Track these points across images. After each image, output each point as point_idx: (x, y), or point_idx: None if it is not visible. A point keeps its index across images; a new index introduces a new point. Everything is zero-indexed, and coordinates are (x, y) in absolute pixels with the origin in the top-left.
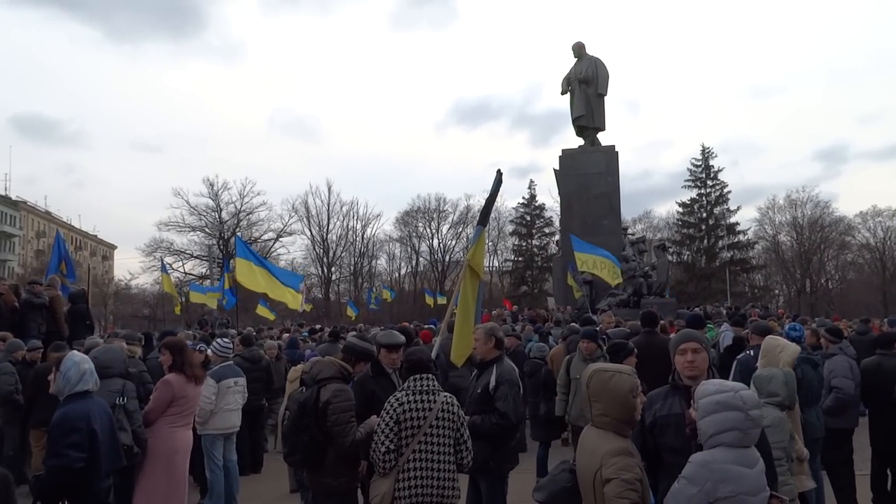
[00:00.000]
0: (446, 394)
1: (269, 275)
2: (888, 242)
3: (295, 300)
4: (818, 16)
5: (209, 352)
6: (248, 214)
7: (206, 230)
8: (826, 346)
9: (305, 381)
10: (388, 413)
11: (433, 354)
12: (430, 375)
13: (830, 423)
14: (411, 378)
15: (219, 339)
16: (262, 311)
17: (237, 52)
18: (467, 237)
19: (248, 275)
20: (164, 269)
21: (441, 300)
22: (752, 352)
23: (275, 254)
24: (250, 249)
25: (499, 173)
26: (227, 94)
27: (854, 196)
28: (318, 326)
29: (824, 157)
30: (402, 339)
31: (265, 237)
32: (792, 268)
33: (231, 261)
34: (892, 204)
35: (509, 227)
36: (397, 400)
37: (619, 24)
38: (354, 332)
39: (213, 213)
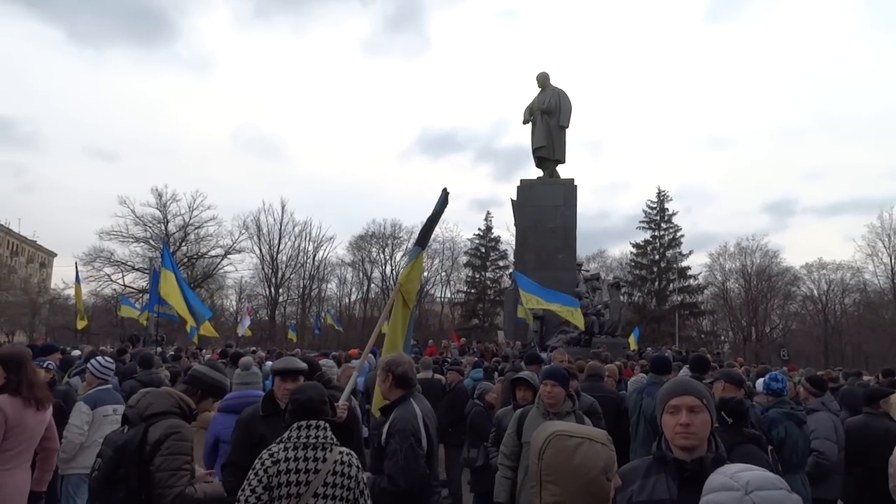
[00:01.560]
0: (343, 450)
1: (182, 295)
2: (831, 295)
3: (206, 329)
4: (771, 74)
5: (89, 371)
6: (196, 228)
7: (151, 242)
8: (806, 398)
9: (129, 416)
10: (256, 473)
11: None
12: (321, 423)
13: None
14: (295, 426)
15: (98, 358)
16: (206, 328)
17: (207, 65)
18: None
19: (169, 287)
20: (77, 279)
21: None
22: None
23: (221, 271)
24: (174, 263)
25: (444, 192)
26: (192, 107)
27: (799, 249)
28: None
29: (773, 210)
30: (302, 365)
31: (212, 253)
32: (739, 314)
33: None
34: (836, 258)
35: (463, 259)
36: (271, 456)
37: (587, 65)
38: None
39: (159, 225)
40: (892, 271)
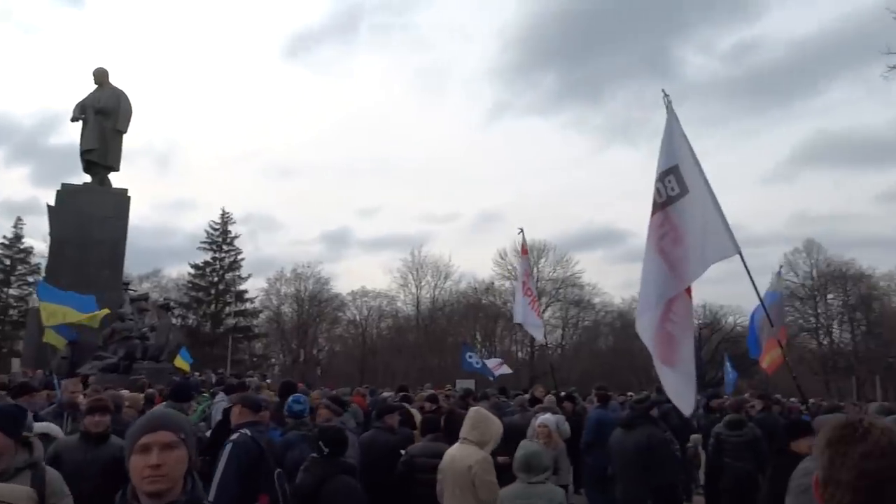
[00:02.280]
0: None
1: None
2: (370, 320)
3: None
4: (336, 115)
5: None
6: None
7: None
8: (329, 418)
9: None
10: None
11: None
12: None
13: None
14: None
15: None
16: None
17: None
18: None
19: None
20: None
21: None
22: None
23: None
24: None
25: None
26: None
27: (349, 277)
28: None
29: (330, 240)
30: None
31: None
32: (290, 338)
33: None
34: (376, 286)
35: None
36: None
37: (160, 74)
38: None
39: None
40: (417, 300)
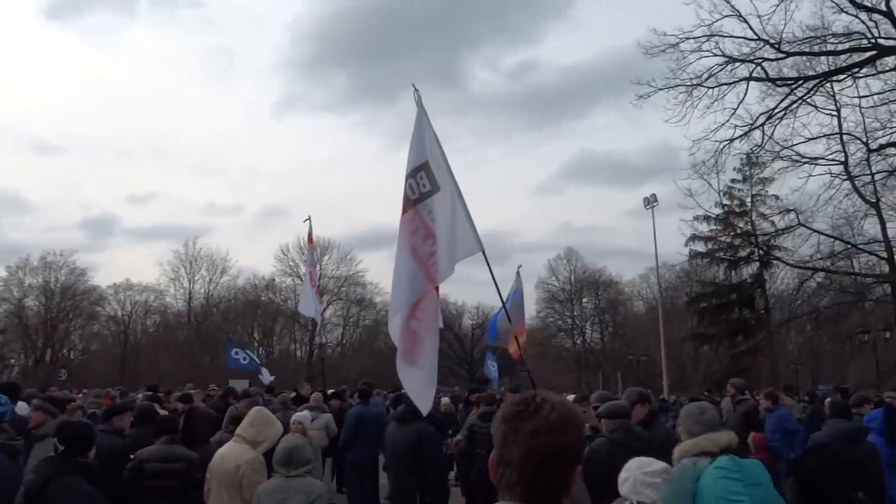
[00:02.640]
0: None
1: None
2: (134, 316)
3: None
4: (111, 90)
5: None
6: None
7: None
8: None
9: None
10: None
11: None
12: None
13: None
14: None
15: None
16: None
17: None
18: None
19: None
20: None
21: None
22: None
23: None
24: None
25: None
26: None
27: (113, 269)
28: None
29: (92, 227)
30: None
31: None
32: (35, 335)
33: None
34: (143, 279)
35: None
36: None
37: None
38: None
39: None
40: (190, 295)
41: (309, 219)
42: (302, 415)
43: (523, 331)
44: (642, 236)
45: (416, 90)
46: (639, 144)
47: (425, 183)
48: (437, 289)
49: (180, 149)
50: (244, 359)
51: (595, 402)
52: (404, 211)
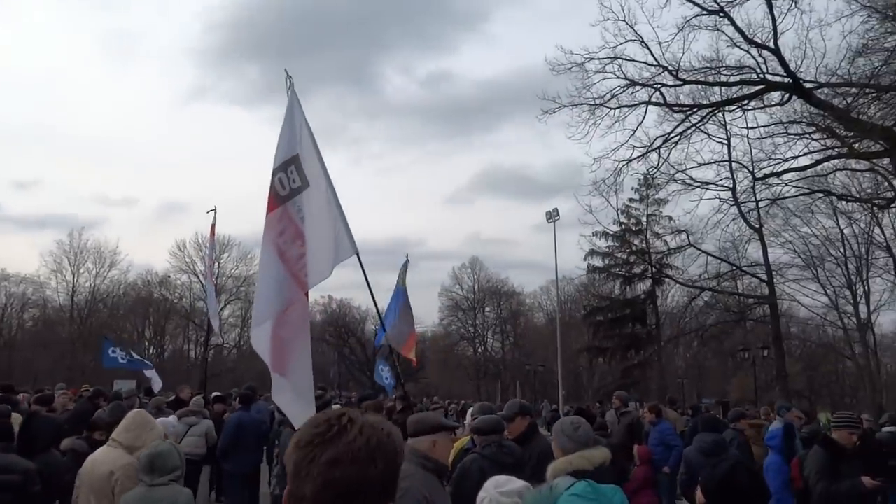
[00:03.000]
0: None
1: None
2: (9, 309)
3: None
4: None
5: None
6: None
7: None
8: None
9: None
10: None
11: None
12: None
13: None
14: None
15: None
16: None
17: None
18: None
19: None
20: None
21: None
22: None
23: None
24: None
25: None
26: None
27: None
28: None
29: None
30: None
31: None
32: None
33: None
34: (21, 270)
35: None
36: None
37: None
38: None
39: None
40: (73, 289)
41: (214, 210)
42: (166, 420)
43: (413, 338)
44: (546, 250)
45: (288, 76)
46: (546, 160)
47: (296, 178)
48: (307, 294)
49: (71, 133)
50: (123, 358)
51: (474, 414)
52: (270, 209)
